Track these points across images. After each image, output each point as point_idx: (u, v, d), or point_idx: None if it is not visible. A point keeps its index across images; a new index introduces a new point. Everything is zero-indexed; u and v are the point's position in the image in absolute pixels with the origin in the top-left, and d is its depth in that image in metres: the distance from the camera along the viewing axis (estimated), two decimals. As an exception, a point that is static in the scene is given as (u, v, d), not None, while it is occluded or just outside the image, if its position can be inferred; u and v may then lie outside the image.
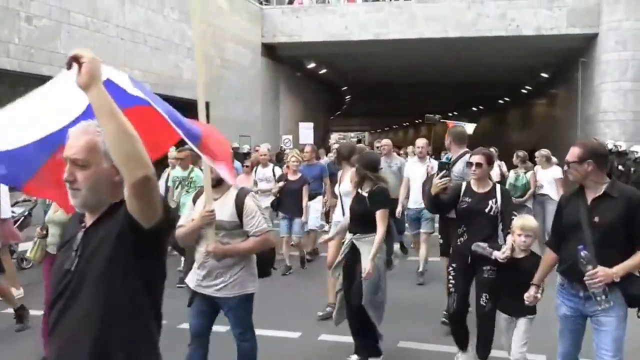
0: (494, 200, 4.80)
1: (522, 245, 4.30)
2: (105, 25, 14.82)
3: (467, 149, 6.01)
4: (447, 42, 23.65)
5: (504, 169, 11.71)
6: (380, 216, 5.10)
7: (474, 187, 4.91)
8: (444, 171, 4.71)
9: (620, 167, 13.37)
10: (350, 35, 23.75)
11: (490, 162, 4.96)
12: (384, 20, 23.56)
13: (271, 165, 9.81)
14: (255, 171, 9.79)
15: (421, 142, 8.47)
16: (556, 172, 9.43)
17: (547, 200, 9.28)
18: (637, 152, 12.79)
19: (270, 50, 24.77)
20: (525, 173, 9.57)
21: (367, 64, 28.71)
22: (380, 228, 5.07)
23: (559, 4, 22.79)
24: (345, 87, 38.93)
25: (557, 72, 27.93)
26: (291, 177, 9.04)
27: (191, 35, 18.49)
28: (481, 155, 4.90)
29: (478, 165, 4.83)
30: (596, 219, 3.50)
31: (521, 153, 9.98)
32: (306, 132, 15.42)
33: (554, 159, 9.91)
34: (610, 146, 14.40)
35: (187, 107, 15.74)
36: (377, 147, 12.01)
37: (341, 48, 24.73)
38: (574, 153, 3.58)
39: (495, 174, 11.15)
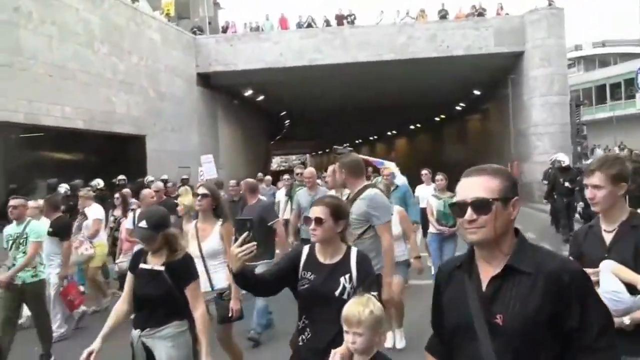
0: (347, 276, 3.13)
1: (351, 348, 2.72)
2: (31, 63, 14.32)
3: (368, 183, 4.85)
4: (381, 65, 24.09)
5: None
6: (194, 293, 3.73)
7: (319, 256, 3.23)
8: (246, 232, 2.94)
9: (567, 185, 12.25)
10: (285, 61, 23.88)
11: (340, 216, 3.22)
12: (318, 46, 23.83)
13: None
14: (135, 217, 7.37)
15: (308, 172, 7.17)
16: None
17: None
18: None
19: (205, 80, 24.58)
20: (451, 198, 7.71)
21: (304, 89, 28.90)
22: (200, 310, 3.71)
23: (485, 25, 23.68)
24: (284, 112, 39.03)
25: (489, 89, 28.89)
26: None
27: (123, 69, 18.20)
28: (323, 206, 3.21)
29: (318, 221, 3.15)
30: (498, 317, 1.93)
31: (440, 176, 8.56)
32: (208, 165, 14.35)
33: None
34: (552, 160, 13.64)
35: (122, 141, 15.41)
36: (297, 174, 10.04)
37: (277, 74, 24.80)
38: (487, 184, 1.98)
39: (430, 195, 9.58)
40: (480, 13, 24.59)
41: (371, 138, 66.97)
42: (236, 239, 2.94)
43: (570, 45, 53.64)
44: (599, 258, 2.84)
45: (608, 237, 2.91)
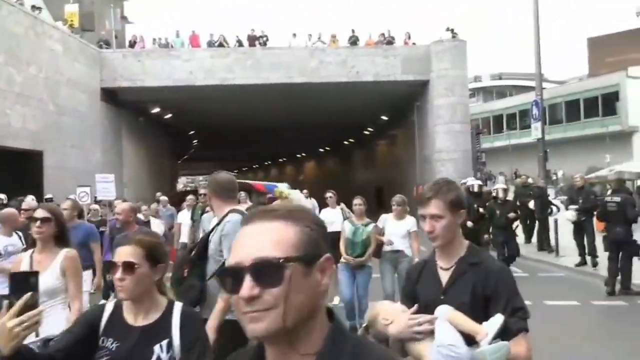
0: (165, 343, 2.32)
1: None
2: None
3: (236, 207, 3.89)
4: (292, 88, 24.22)
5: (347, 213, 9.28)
6: None
7: (127, 316, 2.37)
8: (28, 294, 2.00)
9: (481, 210, 11.42)
10: (195, 80, 23.46)
11: (158, 260, 2.41)
12: (230, 65, 23.61)
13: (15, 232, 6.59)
14: None
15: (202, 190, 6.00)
16: (411, 223, 7.51)
17: (400, 258, 7.42)
18: (496, 190, 11.91)
19: (110, 95, 23.65)
20: (365, 225, 7.40)
21: (213, 109, 28.48)
22: None
23: (394, 53, 24.43)
24: (193, 132, 38.27)
25: (396, 115, 29.70)
26: None
27: (20, 80, 17.15)
28: (134, 245, 2.37)
29: (127, 267, 2.30)
30: None
31: (358, 200, 7.62)
32: (104, 185, 12.44)
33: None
34: (466, 185, 12.93)
35: (18, 157, 14.28)
36: (202, 195, 9.41)
37: (186, 93, 24.30)
38: (279, 235, 1.19)
39: (339, 220, 8.84)
40: (389, 41, 25.35)
41: (281, 160, 67.07)
42: (10, 305, 1.96)
43: (470, 76, 56.50)
44: (434, 300, 2.43)
45: (445, 276, 2.48)
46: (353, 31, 25.79)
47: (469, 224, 10.67)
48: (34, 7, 19.92)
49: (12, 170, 17.21)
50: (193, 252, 3.73)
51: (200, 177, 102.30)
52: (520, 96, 50.35)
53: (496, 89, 67.14)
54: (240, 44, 25.15)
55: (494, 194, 12.00)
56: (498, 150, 48.39)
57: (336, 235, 7.69)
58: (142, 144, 28.59)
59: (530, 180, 16.65)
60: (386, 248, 7.44)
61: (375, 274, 7.75)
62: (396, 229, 7.44)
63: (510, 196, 13.92)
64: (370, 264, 7.52)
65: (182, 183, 76.56)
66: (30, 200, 8.68)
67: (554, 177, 33.81)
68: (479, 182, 12.80)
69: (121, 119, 25.14)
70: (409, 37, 25.79)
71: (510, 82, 66.71)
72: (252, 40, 25.17)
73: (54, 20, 22.77)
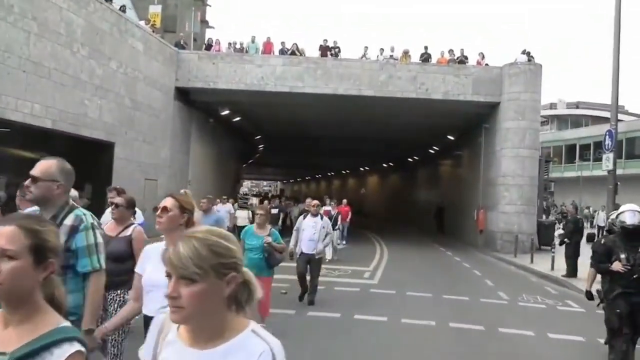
0: None
1: None
2: (6, 57, 14.04)
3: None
4: (360, 100, 24.28)
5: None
6: None
7: None
8: None
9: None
10: (265, 85, 23.90)
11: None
12: (300, 74, 23.94)
13: None
14: None
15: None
16: None
17: None
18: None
19: (183, 95, 24.42)
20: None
21: (281, 116, 28.92)
22: None
23: (465, 73, 24.10)
24: (259, 136, 38.95)
25: (463, 136, 29.27)
26: None
27: (100, 73, 17.97)
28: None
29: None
30: None
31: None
32: None
33: None
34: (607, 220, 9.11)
35: (91, 146, 14.96)
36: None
37: (256, 98, 24.78)
38: None
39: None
40: (462, 60, 25.05)
41: (344, 172, 67.20)
42: None
43: (546, 103, 55.01)
44: None
45: None
46: (426, 48, 25.64)
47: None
48: (121, 7, 20.87)
49: (85, 158, 18.00)
50: None
51: (264, 183, 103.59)
52: (596, 127, 48.63)
53: (572, 118, 65.07)
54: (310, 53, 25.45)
55: None
56: (567, 180, 46.85)
57: None
58: (210, 144, 29.34)
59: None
60: None
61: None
62: None
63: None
64: None
65: (246, 187, 77.83)
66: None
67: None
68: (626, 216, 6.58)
69: (192, 119, 25.90)
70: (483, 58, 25.41)
71: (588, 112, 64.51)
72: (324, 50, 25.43)
73: (138, 20, 23.81)
